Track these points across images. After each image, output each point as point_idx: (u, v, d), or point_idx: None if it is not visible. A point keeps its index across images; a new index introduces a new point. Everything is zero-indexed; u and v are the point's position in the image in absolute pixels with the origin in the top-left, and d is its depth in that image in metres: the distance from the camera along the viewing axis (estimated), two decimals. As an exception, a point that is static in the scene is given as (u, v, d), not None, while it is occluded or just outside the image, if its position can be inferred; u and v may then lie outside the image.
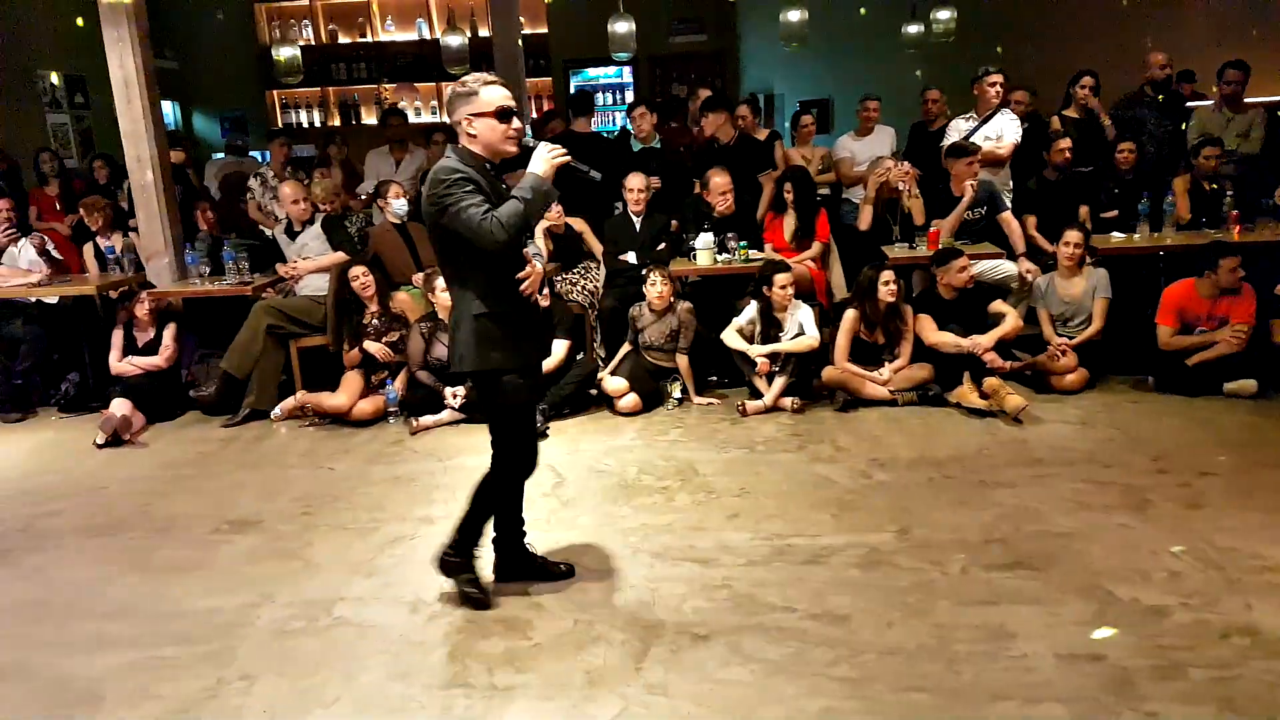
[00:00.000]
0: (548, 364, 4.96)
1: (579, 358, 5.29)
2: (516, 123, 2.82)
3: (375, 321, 5.24)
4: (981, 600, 2.96)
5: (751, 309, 5.09)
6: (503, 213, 2.71)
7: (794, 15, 7.74)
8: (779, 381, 4.96)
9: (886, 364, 5.00)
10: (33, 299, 5.81)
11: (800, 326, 4.99)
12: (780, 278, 4.93)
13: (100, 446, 4.91)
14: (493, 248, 2.72)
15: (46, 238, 6.19)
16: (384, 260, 5.74)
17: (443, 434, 4.91)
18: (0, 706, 2.67)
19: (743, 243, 5.41)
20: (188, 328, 5.62)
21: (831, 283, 5.74)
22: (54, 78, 8.44)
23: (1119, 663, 2.59)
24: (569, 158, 2.85)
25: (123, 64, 5.72)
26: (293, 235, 5.71)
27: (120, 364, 5.37)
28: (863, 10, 9.83)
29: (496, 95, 2.79)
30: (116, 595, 3.23)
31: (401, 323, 5.28)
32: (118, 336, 5.43)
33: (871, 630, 2.82)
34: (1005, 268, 5.51)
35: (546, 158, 2.80)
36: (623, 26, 6.84)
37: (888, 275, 4.90)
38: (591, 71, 10.13)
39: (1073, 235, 5.10)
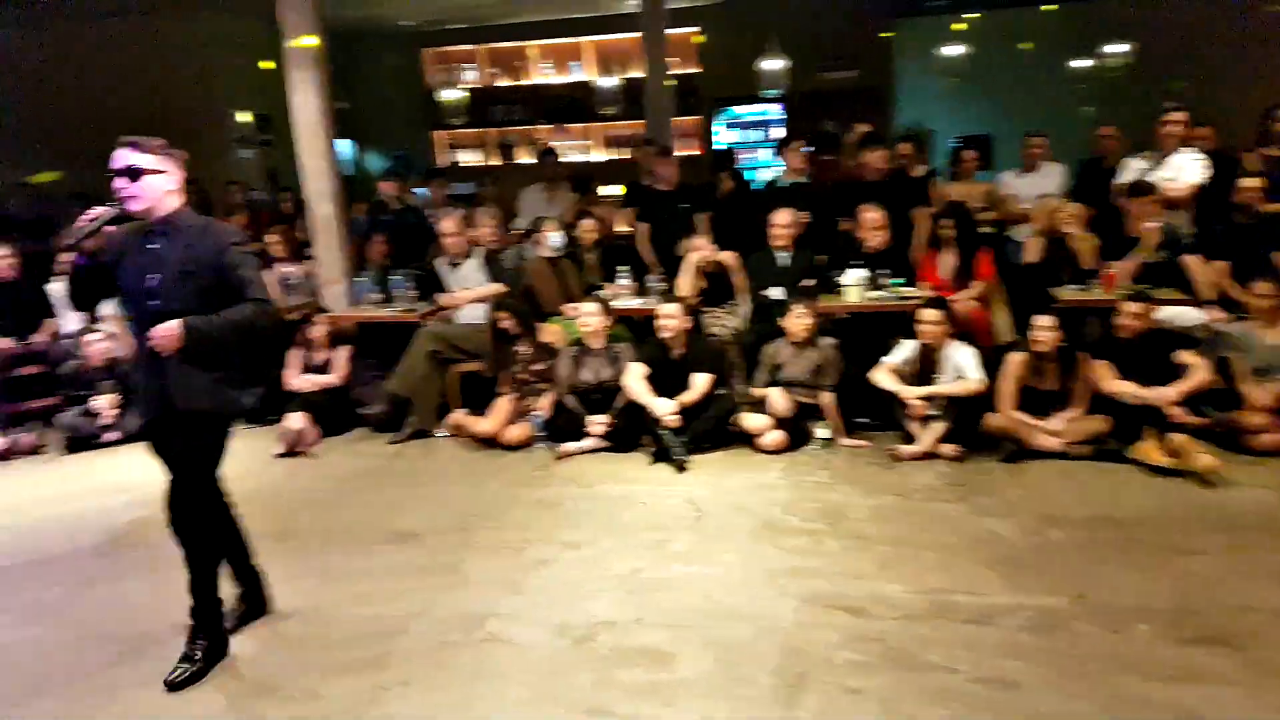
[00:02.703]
0: (688, 397, 4.97)
1: (720, 392, 5.26)
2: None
3: (527, 351, 5.41)
4: (1170, 676, 2.72)
5: (907, 348, 4.92)
6: None
7: (952, 50, 7.58)
8: (936, 427, 4.75)
9: (1058, 413, 4.71)
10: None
11: (960, 369, 4.79)
12: (927, 313, 4.76)
13: (278, 457, 5.26)
14: None
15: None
16: (536, 292, 5.93)
17: (586, 461, 4.98)
18: (194, 692, 2.88)
19: (896, 280, 5.26)
20: (359, 350, 5.97)
21: (995, 324, 5.48)
22: (244, 116, 9.24)
23: (1332, 757, 2.32)
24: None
25: (306, 105, 6.18)
26: (454, 267, 5.99)
27: (297, 381, 5.75)
28: (1028, 44, 9.50)
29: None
30: (290, 597, 3.42)
31: (551, 353, 5.42)
32: (295, 356, 5.82)
33: (1044, 699, 2.63)
34: (1190, 315, 5.11)
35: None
36: (774, 64, 6.87)
37: (1042, 321, 4.65)
38: (739, 109, 10.20)
39: (1264, 287, 4.69)
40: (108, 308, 6.34)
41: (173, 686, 2.87)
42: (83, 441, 5.58)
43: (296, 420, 5.37)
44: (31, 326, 6.13)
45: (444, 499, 4.51)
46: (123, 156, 2.83)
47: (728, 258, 5.83)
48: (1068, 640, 2.96)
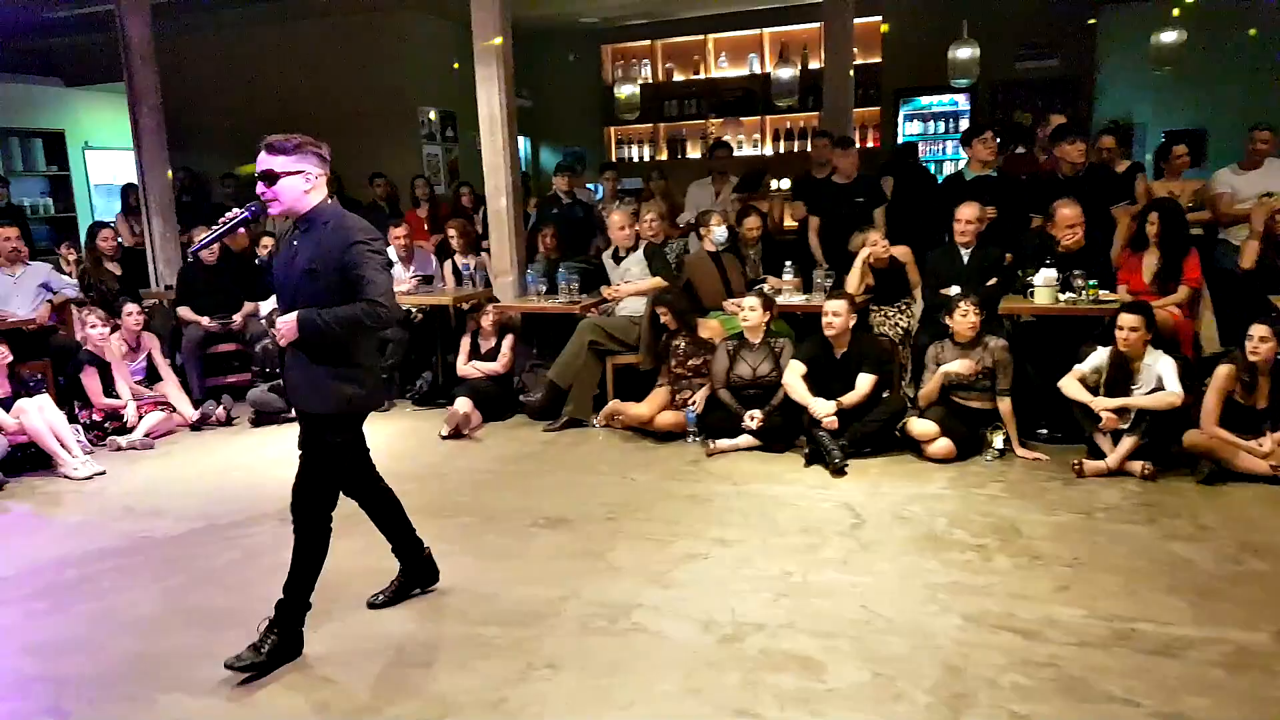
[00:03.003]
0: (849, 399, 4.78)
1: (885, 395, 5.04)
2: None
3: (684, 345, 5.38)
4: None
5: (1098, 356, 4.53)
6: None
7: (1168, 36, 6.97)
8: (1127, 441, 4.35)
9: (1268, 433, 4.20)
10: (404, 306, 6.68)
11: (1158, 380, 4.36)
12: (1127, 318, 4.36)
13: (444, 438, 5.49)
14: None
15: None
16: (696, 286, 5.89)
17: (738, 459, 4.90)
18: (352, 658, 3.00)
19: (1092, 282, 4.84)
20: (523, 339, 6.15)
21: (1200, 334, 4.96)
22: (431, 113, 9.70)
23: None
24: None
25: (489, 101, 6.39)
26: (618, 260, 6.05)
27: (465, 367, 5.99)
28: (1251, 30, 8.54)
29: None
30: (448, 572, 3.53)
31: (707, 348, 5.37)
32: (465, 343, 6.07)
33: (1241, 746, 2.33)
34: None
35: None
36: (965, 52, 6.54)
37: (1259, 330, 4.16)
38: (923, 99, 9.80)
39: None
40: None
41: (229, 665, 2.86)
42: (269, 416, 6.02)
43: (462, 405, 5.59)
44: (232, 307, 6.70)
45: (596, 488, 4.56)
46: (260, 160, 2.85)
47: (901, 252, 5.58)
48: (1266, 680, 2.64)
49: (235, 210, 2.93)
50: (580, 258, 6.80)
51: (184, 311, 6.65)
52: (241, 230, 2.97)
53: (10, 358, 5.27)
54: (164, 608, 3.46)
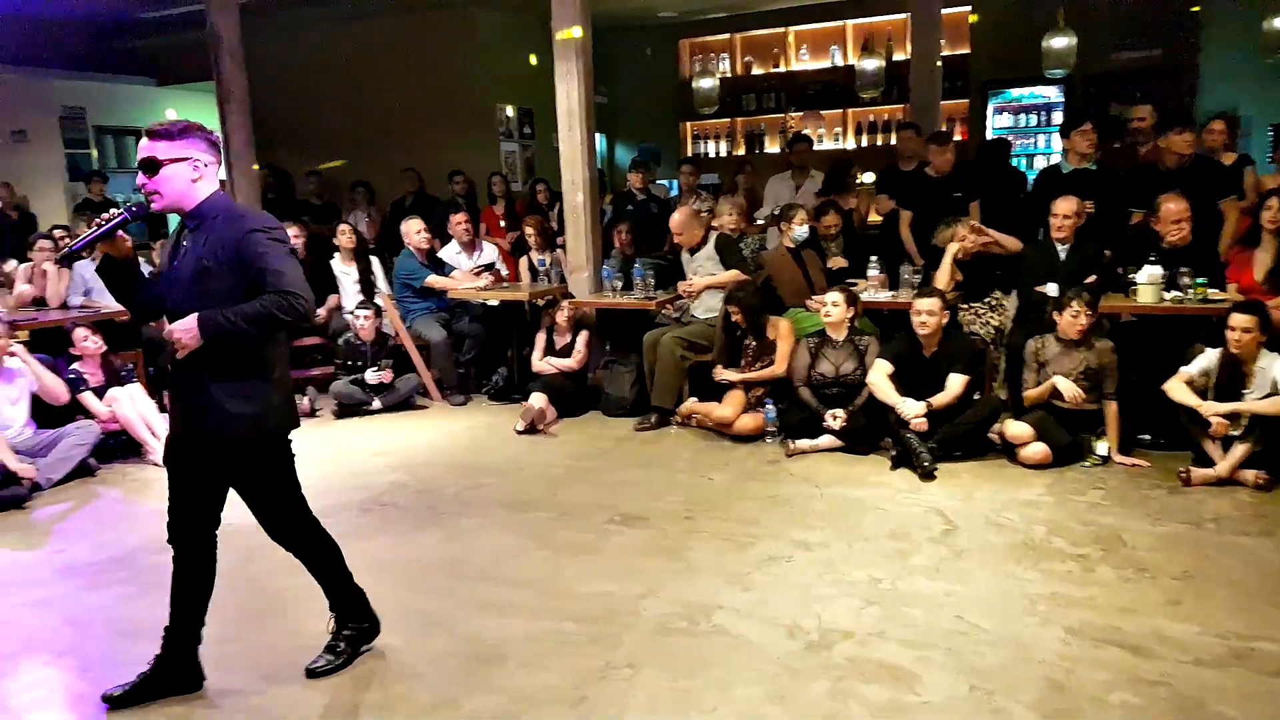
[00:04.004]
0: (940, 399, 4.60)
1: (976, 396, 4.84)
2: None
3: (753, 346, 5.28)
4: None
5: (1207, 358, 4.27)
6: None
7: (1279, 22, 6.58)
8: (1239, 449, 4.08)
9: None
10: (478, 300, 6.72)
11: (1273, 384, 4.09)
12: (1239, 318, 4.10)
13: (519, 433, 5.48)
14: None
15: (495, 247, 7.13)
16: (777, 283, 5.76)
17: (819, 459, 4.77)
18: (429, 652, 2.99)
19: (1200, 279, 4.57)
20: (597, 335, 6.10)
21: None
22: (509, 110, 9.74)
23: None
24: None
25: (568, 96, 6.35)
26: (692, 254, 5.96)
27: (540, 363, 5.98)
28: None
29: None
30: (524, 567, 3.52)
31: (771, 349, 5.24)
32: (540, 338, 6.06)
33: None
34: None
35: None
36: (1061, 42, 6.26)
37: None
38: (1014, 92, 9.48)
39: None
40: (381, 285, 6.95)
41: (311, 674, 2.81)
42: (352, 408, 6.09)
43: (537, 400, 5.58)
44: (316, 301, 6.79)
45: (672, 485, 4.49)
46: (141, 147, 2.53)
47: (989, 240, 5.32)
48: None
49: (112, 210, 2.61)
50: (656, 254, 6.73)
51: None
52: (121, 233, 2.64)
53: (104, 348, 5.42)
54: (247, 595, 3.47)
